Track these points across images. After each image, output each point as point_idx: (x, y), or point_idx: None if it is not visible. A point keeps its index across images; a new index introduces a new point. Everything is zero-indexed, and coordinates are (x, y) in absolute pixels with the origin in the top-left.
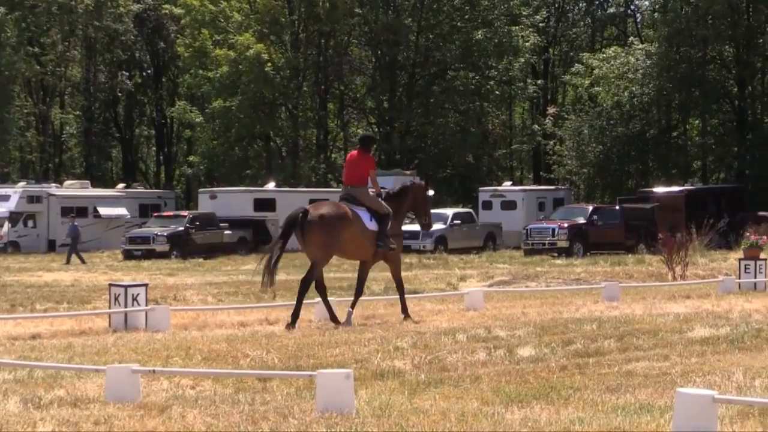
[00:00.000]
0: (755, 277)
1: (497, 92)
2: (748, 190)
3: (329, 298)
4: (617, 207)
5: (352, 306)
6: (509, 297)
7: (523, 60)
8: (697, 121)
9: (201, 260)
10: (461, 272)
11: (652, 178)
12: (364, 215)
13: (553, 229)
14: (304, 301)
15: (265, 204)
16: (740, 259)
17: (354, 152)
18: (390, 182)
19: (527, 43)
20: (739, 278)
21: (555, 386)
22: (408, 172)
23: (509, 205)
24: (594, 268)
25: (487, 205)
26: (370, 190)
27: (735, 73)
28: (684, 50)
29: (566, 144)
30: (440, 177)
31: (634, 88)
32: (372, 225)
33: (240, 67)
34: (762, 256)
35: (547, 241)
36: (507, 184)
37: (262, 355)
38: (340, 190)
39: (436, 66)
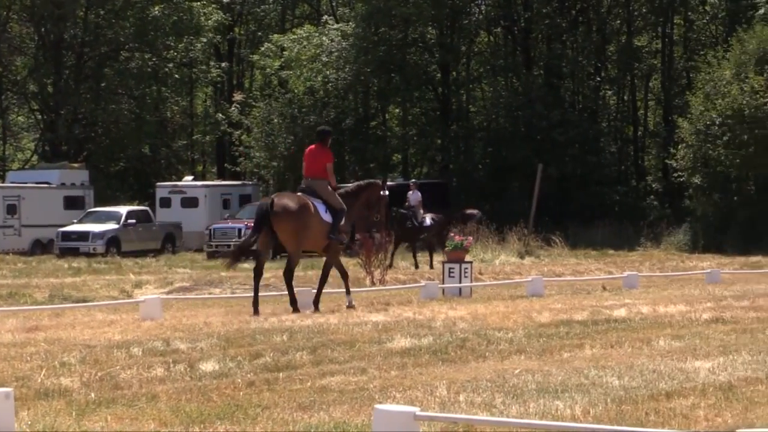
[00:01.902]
0: (460, 282)
1: (177, 76)
2: (452, 186)
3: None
4: None
5: (348, 294)
6: (190, 305)
7: (205, 40)
8: (397, 110)
9: None
10: (136, 278)
11: (349, 172)
12: (320, 207)
13: (240, 229)
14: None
15: None
16: (444, 262)
17: (312, 146)
18: (54, 176)
19: (210, 21)
20: (443, 283)
21: (241, 404)
22: (76, 165)
23: (190, 203)
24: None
25: (166, 203)
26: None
27: (438, 58)
28: (383, 31)
29: (254, 134)
30: (113, 170)
31: (328, 72)
32: (327, 217)
33: None
34: (467, 258)
35: (232, 243)
36: (188, 179)
37: None
38: None
39: (108, 46)
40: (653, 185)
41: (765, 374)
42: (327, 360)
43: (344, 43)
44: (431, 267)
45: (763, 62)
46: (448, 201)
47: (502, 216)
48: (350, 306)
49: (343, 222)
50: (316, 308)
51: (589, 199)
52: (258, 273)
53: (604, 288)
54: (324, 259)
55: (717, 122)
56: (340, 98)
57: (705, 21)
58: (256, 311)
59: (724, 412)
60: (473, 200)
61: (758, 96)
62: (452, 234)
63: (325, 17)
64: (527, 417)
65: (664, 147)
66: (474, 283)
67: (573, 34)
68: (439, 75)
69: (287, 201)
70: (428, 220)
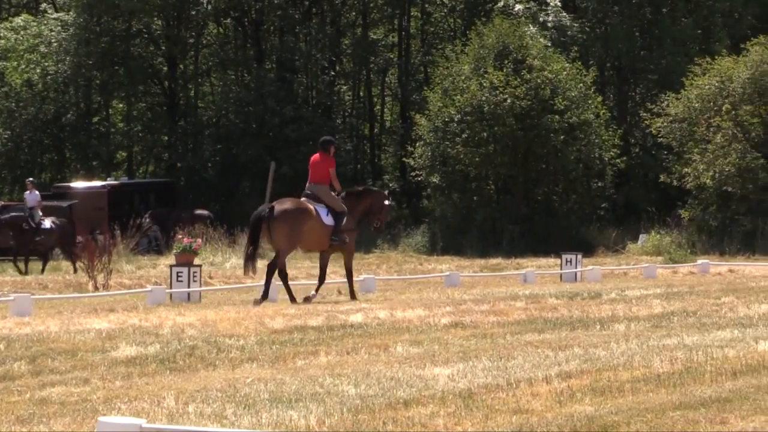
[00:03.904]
0: (189, 287)
1: None
2: (180, 186)
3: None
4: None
5: (316, 290)
6: None
7: None
8: (121, 105)
9: None
10: None
11: (70, 170)
12: (322, 211)
13: None
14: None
15: None
16: (172, 266)
17: (316, 155)
18: None
19: None
20: (171, 288)
21: None
22: None
23: None
24: (1, 277)
25: None
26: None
27: (165, 50)
28: (106, 21)
29: None
30: None
31: (47, 64)
32: (328, 220)
33: None
34: (196, 261)
35: None
36: None
37: None
38: None
39: None
40: (390, 184)
41: (506, 381)
42: (47, 370)
43: (64, 34)
44: (42, 272)
45: (503, 57)
46: (176, 201)
47: (233, 217)
48: (308, 298)
49: (345, 222)
50: (354, 298)
51: None
52: (282, 273)
53: (340, 292)
54: (343, 259)
55: (456, 119)
56: (60, 92)
57: (443, 14)
58: (263, 298)
59: (464, 421)
60: (203, 200)
61: (498, 92)
62: (180, 236)
63: (43, 5)
64: (260, 428)
65: (402, 145)
66: (204, 288)
67: (306, 26)
68: (165, 68)
69: (287, 205)
70: (48, 223)
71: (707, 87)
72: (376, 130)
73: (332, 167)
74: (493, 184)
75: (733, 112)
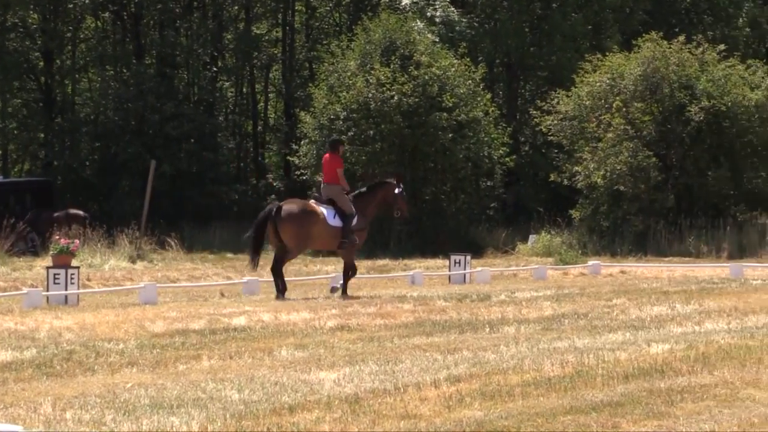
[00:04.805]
0: (66, 289)
1: None
2: (57, 185)
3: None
4: None
5: (344, 290)
6: None
7: None
8: None
9: None
10: None
11: None
12: (329, 213)
13: None
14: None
15: None
16: (48, 267)
17: (327, 155)
18: None
19: None
20: (48, 290)
21: None
22: None
23: None
24: None
25: None
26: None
27: (41, 44)
28: None
29: None
30: None
31: None
32: (335, 222)
33: None
34: (74, 263)
35: None
36: None
37: None
38: None
39: None
40: (275, 184)
41: (393, 385)
42: None
43: None
44: None
45: (389, 53)
46: (54, 201)
47: (111, 217)
48: (333, 290)
49: (356, 222)
50: (345, 294)
51: (206, 199)
52: (276, 270)
53: (223, 294)
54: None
55: (341, 116)
56: None
57: (328, 8)
58: (280, 296)
59: (350, 426)
60: (80, 200)
61: (384, 89)
62: (57, 237)
63: None
64: None
65: (286, 143)
66: (82, 290)
67: (187, 20)
68: (42, 63)
69: (293, 207)
70: None
71: (598, 84)
72: (259, 127)
73: (340, 167)
74: None
75: (625, 110)
